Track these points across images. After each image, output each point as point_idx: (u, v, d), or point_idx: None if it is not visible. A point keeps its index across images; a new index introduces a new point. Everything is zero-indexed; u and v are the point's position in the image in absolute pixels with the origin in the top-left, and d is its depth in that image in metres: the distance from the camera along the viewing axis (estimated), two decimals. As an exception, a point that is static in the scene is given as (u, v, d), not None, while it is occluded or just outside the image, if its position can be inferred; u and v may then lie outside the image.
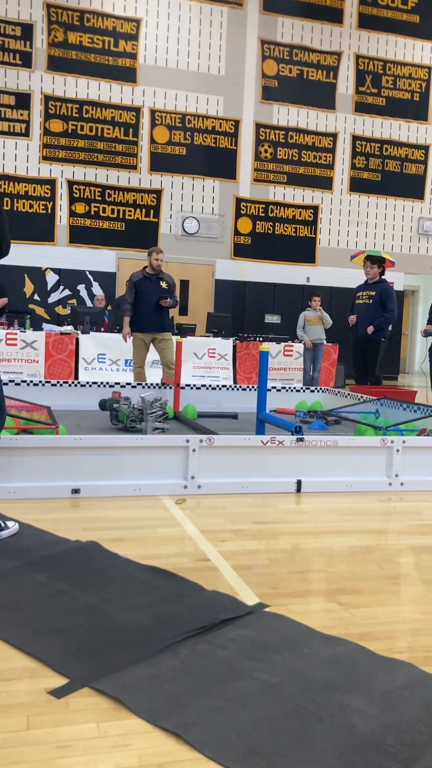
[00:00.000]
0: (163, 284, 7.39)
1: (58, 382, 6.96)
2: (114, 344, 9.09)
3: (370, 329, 7.59)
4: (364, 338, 7.68)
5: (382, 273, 7.95)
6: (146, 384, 7.14)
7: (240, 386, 7.59)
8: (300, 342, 9.84)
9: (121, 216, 12.55)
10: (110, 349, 9.38)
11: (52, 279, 12.29)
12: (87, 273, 12.43)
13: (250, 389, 7.34)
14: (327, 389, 7.88)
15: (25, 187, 12.08)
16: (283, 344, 10.32)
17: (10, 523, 3.00)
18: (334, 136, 13.54)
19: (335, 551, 3.04)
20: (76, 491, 3.70)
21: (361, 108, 13.67)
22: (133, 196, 12.59)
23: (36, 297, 12.20)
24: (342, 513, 3.72)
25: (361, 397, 6.78)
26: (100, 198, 12.43)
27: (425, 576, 2.78)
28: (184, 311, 12.78)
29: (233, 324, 11.32)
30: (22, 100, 11.97)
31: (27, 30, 11.87)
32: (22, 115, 11.99)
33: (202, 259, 13.00)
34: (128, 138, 12.48)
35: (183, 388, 6.91)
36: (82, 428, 5.45)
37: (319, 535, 3.29)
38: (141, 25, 12.36)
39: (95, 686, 1.81)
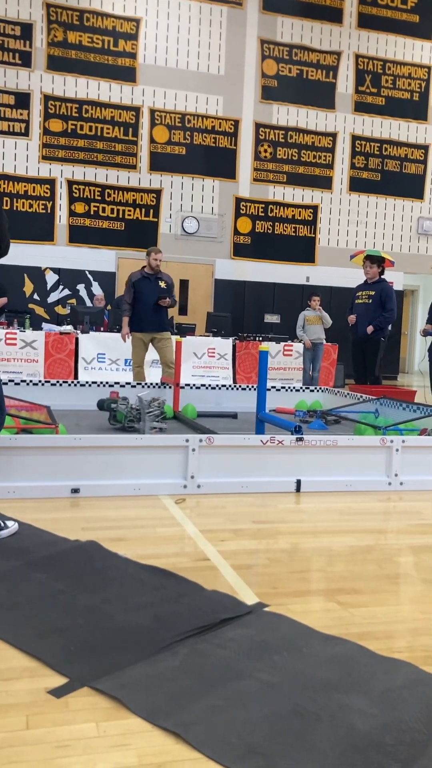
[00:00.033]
0: (162, 284, 7.40)
1: (57, 381, 6.96)
2: (113, 344, 9.08)
3: (370, 329, 7.59)
4: (364, 338, 7.67)
5: (382, 273, 7.95)
6: (145, 383, 7.14)
7: (239, 386, 7.60)
8: (300, 342, 9.84)
9: (120, 216, 12.55)
10: (110, 349, 9.37)
11: (51, 279, 12.29)
12: (86, 273, 12.43)
13: (250, 389, 7.34)
14: (326, 389, 7.88)
15: (25, 186, 12.07)
16: (282, 344, 10.32)
17: (9, 523, 3.00)
18: (333, 135, 13.54)
19: (335, 551, 3.04)
20: (75, 491, 3.70)
21: (360, 108, 13.67)
22: (133, 195, 12.58)
23: (35, 297, 12.20)
24: (341, 512, 3.72)
25: (361, 396, 6.78)
26: (99, 198, 12.42)
27: (425, 575, 2.78)
28: (183, 311, 12.78)
29: (233, 324, 11.32)
30: (22, 100, 11.96)
31: (26, 29, 11.86)
32: (21, 114, 11.98)
33: (201, 259, 13.00)
34: (128, 138, 12.48)
35: (182, 387, 6.91)
36: (82, 428, 5.45)
37: (319, 534, 3.29)
38: (140, 25, 12.35)
39: (95, 686, 1.81)
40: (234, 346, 10.08)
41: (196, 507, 3.66)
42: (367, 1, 13.50)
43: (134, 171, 12.56)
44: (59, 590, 2.40)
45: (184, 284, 12.74)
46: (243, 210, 13.16)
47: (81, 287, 12.42)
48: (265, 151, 13.20)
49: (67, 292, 12.34)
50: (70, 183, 12.25)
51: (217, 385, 7.46)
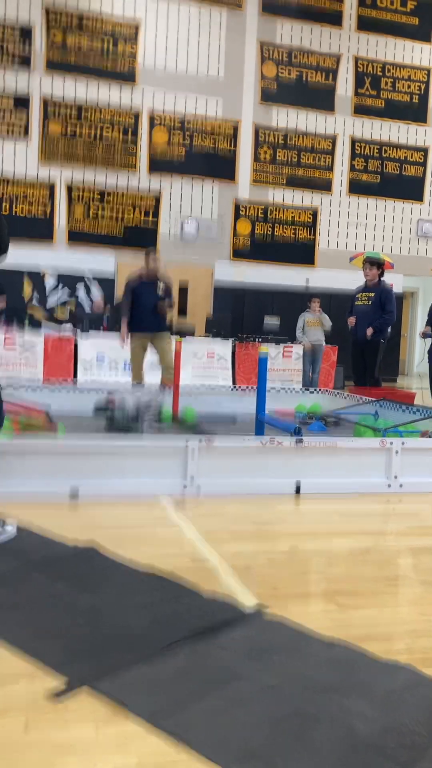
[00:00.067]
0: (160, 285, 7.41)
1: (56, 384, 6.96)
2: (112, 346, 9.09)
3: (370, 331, 7.59)
4: (364, 340, 7.67)
5: (381, 275, 7.96)
6: (145, 386, 7.14)
7: (239, 387, 7.59)
8: (299, 344, 9.84)
9: (120, 218, 12.55)
10: (109, 351, 9.38)
11: (50, 281, 12.29)
12: (86, 275, 12.43)
13: (250, 390, 7.34)
14: (326, 391, 7.89)
15: (24, 189, 12.08)
16: (282, 346, 10.32)
17: (8, 524, 2.99)
18: (333, 138, 13.55)
19: (334, 553, 3.04)
20: (75, 492, 3.70)
21: (360, 110, 13.69)
22: (132, 198, 12.59)
23: (35, 299, 12.19)
24: (341, 514, 3.72)
25: (361, 398, 6.78)
26: (99, 200, 12.43)
27: (424, 577, 2.78)
28: (183, 313, 12.77)
29: (232, 326, 11.32)
30: (21, 103, 11.97)
31: (26, 32, 11.87)
32: (21, 117, 11.99)
33: (201, 261, 13.00)
34: (127, 140, 12.49)
35: (182, 389, 6.90)
36: (82, 428, 5.44)
37: (318, 536, 3.29)
38: (140, 28, 12.37)
39: (94, 687, 1.80)
40: (233, 348, 10.09)
41: (195, 508, 3.65)
42: (367, 4, 13.53)
43: (134, 173, 12.57)
44: (59, 591, 2.40)
45: (183, 286, 12.74)
46: (242, 212, 13.17)
47: (80, 290, 12.42)
48: (265, 153, 13.21)
49: (66, 295, 12.34)
50: (70, 186, 12.26)
51: (217, 387, 7.46)
